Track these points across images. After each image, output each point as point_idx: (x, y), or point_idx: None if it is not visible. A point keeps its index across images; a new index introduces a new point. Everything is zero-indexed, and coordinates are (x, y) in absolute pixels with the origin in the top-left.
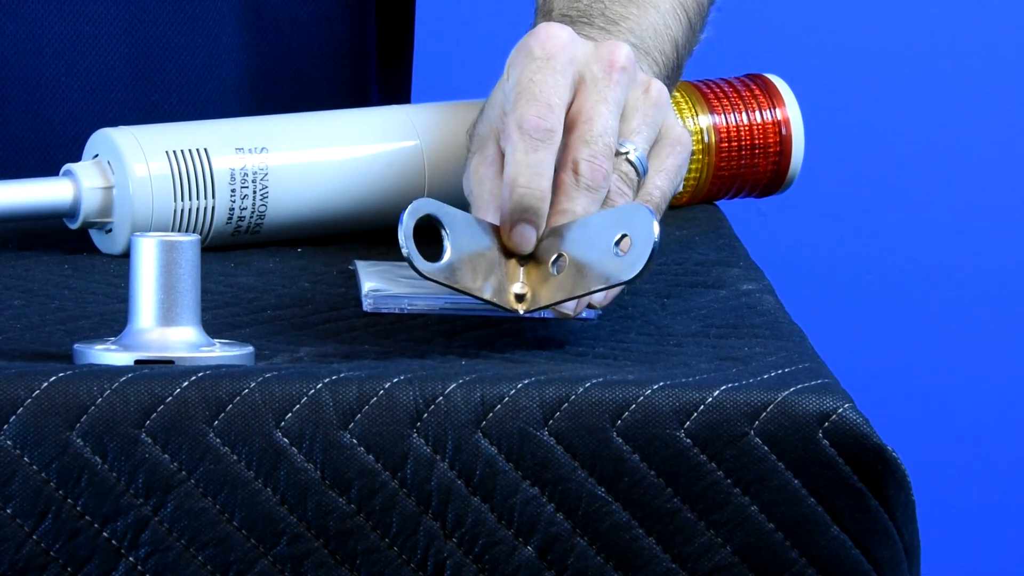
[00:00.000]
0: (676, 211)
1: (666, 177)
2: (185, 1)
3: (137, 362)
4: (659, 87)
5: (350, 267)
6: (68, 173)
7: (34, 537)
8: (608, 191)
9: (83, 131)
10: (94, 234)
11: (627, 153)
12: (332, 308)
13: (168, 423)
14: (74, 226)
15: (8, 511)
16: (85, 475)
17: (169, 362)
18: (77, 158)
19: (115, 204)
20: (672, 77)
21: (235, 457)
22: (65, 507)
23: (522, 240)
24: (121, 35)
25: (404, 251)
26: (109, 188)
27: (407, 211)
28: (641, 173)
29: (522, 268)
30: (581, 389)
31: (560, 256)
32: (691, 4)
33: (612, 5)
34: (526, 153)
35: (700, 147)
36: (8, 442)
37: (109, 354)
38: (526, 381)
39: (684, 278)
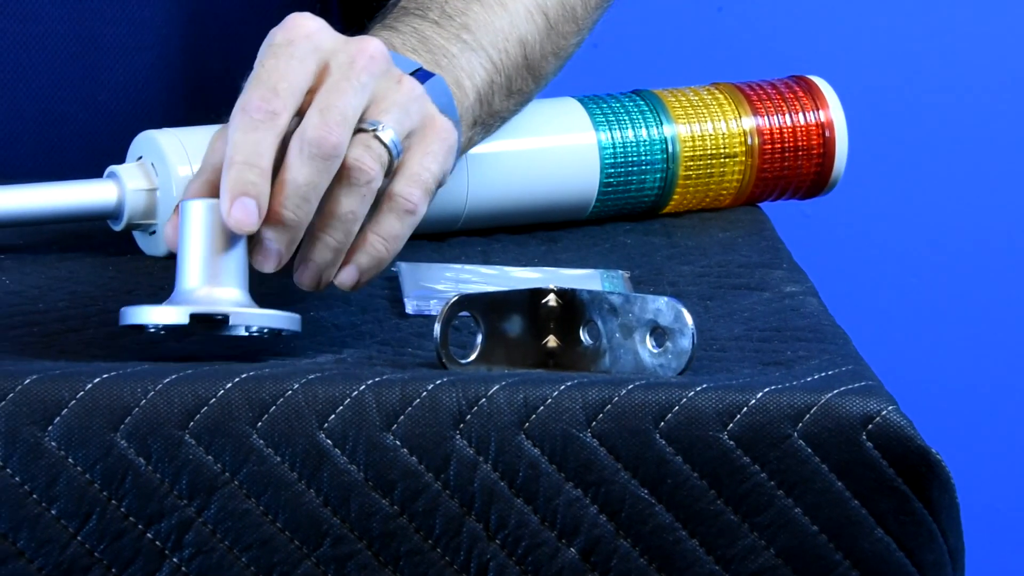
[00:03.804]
0: (719, 212)
1: (435, 160)
2: (134, 2)
3: (192, 316)
4: (413, 82)
5: (394, 269)
6: (112, 175)
7: (79, 538)
8: (346, 163)
9: (27, 130)
10: (138, 236)
11: (375, 130)
12: (376, 310)
13: (212, 424)
14: (118, 228)
15: (53, 512)
16: (129, 476)
17: (223, 318)
18: (20, 155)
19: (159, 206)
20: (514, 76)
21: (278, 459)
22: (109, 508)
23: (243, 213)
24: (68, 34)
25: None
26: (153, 190)
27: (441, 318)
28: (393, 153)
29: (552, 335)
30: (624, 391)
31: (591, 322)
32: (553, 6)
33: (453, 1)
34: (244, 132)
35: (743, 149)
36: (52, 443)
37: (162, 309)
38: (569, 383)
39: (727, 280)
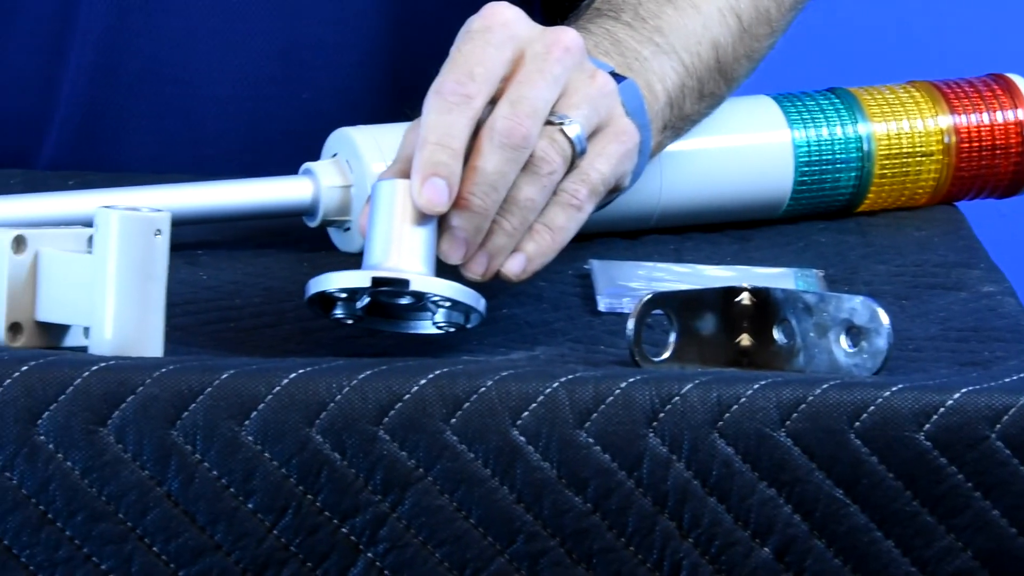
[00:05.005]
0: (915, 211)
1: (607, 162)
2: (340, 1)
3: (374, 280)
4: (606, 77)
5: (586, 267)
6: (307, 172)
7: (275, 532)
8: (534, 157)
9: (232, 128)
10: (332, 232)
11: (561, 124)
12: (568, 307)
13: (406, 420)
14: (313, 224)
15: (249, 506)
16: (325, 471)
17: (403, 282)
18: (225, 154)
19: (353, 203)
20: (706, 79)
21: (472, 455)
22: (305, 503)
23: (433, 192)
24: (273, 33)
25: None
26: (347, 187)
27: (634, 316)
28: (577, 149)
29: (745, 334)
30: (818, 390)
31: (785, 321)
32: (746, 8)
33: (647, 3)
34: (438, 114)
35: (940, 147)
36: (249, 438)
37: (344, 274)
38: (763, 382)
39: (923, 279)
